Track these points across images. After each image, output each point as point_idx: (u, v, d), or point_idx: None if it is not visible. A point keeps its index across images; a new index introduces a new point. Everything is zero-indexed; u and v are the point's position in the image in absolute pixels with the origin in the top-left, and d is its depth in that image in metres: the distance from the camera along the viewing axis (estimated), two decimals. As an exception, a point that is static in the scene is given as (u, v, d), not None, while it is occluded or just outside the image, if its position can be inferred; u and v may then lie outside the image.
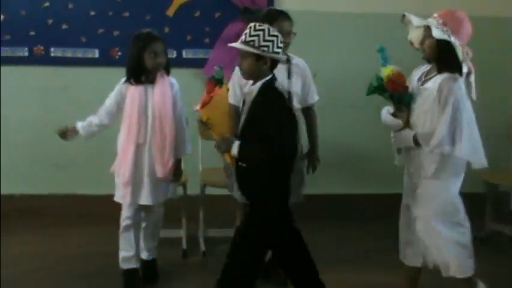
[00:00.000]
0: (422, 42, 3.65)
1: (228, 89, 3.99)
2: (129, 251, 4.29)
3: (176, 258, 4.78)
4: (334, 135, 5.55)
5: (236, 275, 3.74)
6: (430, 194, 3.65)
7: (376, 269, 4.64)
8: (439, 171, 3.60)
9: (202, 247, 4.91)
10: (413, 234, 3.76)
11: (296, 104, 4.18)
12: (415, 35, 3.69)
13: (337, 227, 5.47)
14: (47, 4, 5.54)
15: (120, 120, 4.25)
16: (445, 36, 3.49)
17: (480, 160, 3.60)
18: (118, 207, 4.44)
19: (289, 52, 4.19)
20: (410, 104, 3.69)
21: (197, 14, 5.61)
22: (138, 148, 4.17)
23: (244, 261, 3.72)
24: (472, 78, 3.62)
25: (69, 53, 5.60)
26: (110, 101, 4.24)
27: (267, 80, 3.61)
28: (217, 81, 3.83)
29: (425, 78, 3.70)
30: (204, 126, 3.89)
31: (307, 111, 4.36)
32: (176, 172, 4.29)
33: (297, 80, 4.20)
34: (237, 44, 3.61)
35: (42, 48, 5.59)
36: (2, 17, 5.51)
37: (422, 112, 3.63)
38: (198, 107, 3.81)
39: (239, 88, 4.14)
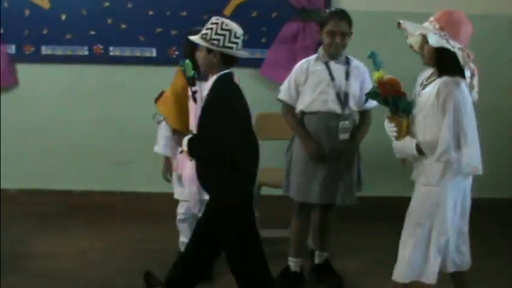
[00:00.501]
0: (421, 48, 3.51)
1: (191, 81, 3.77)
2: (186, 237, 4.43)
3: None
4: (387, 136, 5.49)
5: (187, 263, 3.80)
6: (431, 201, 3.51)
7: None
8: (442, 178, 3.44)
9: (257, 247, 4.89)
10: None
11: (353, 106, 4.13)
12: (413, 40, 3.55)
13: (394, 230, 5.37)
14: (107, 4, 5.60)
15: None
16: (442, 42, 3.34)
17: (480, 164, 3.46)
18: (174, 205, 4.48)
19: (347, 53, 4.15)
20: (409, 110, 3.53)
21: (254, 14, 5.59)
22: None
23: (195, 250, 3.76)
24: (476, 80, 3.45)
25: (127, 52, 5.67)
26: None
27: (220, 75, 3.61)
28: (184, 70, 3.73)
29: (426, 82, 3.55)
30: (154, 119, 3.88)
31: (363, 114, 4.28)
32: None
33: (355, 82, 4.14)
34: (192, 37, 3.65)
35: (101, 47, 5.67)
36: (63, 16, 5.60)
37: (422, 118, 3.47)
38: (155, 99, 3.79)
39: (294, 86, 4.13)
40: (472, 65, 3.40)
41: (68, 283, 4.32)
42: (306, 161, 4.10)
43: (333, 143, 4.09)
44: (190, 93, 3.76)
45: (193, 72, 3.69)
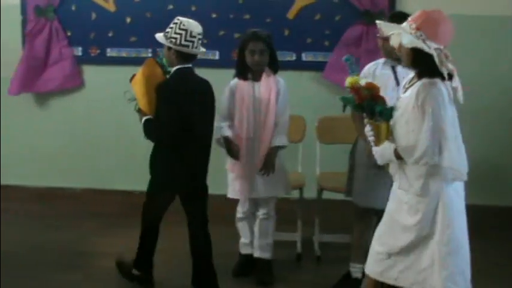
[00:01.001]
0: (399, 49, 3.41)
1: (158, 72, 4.06)
2: (245, 238, 4.57)
3: (290, 261, 4.75)
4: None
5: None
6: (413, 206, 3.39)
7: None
8: (427, 186, 3.33)
9: (317, 252, 4.85)
10: None
11: None
12: (395, 41, 3.43)
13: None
14: (171, 7, 5.65)
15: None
16: (417, 43, 3.24)
17: (465, 169, 3.37)
18: (233, 207, 4.49)
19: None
20: (387, 114, 3.44)
21: (317, 16, 5.55)
22: (248, 142, 4.31)
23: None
24: (456, 81, 3.33)
25: (190, 54, 5.69)
26: (224, 98, 4.42)
27: (176, 69, 3.95)
28: (161, 66, 4.09)
29: (408, 86, 3.44)
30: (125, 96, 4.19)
31: None
32: (266, 163, 4.31)
33: None
34: (157, 34, 4.03)
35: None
36: (128, 19, 5.68)
37: (405, 123, 3.35)
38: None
39: None
40: (450, 66, 3.29)
41: (127, 283, 4.35)
42: (369, 166, 4.04)
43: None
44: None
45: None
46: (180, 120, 3.87)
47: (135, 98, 4.12)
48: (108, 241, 5.03)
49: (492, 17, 5.45)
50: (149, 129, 3.98)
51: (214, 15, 5.64)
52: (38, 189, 6.00)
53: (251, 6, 5.58)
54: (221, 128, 4.34)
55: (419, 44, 3.24)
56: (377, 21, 3.49)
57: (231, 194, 4.49)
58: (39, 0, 5.74)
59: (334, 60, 5.48)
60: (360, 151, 4.15)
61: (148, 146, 5.61)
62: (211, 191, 4.70)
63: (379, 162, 3.55)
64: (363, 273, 4.30)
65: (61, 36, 5.78)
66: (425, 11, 3.34)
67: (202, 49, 4.02)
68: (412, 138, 3.29)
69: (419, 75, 3.36)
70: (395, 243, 3.46)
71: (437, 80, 3.28)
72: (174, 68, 3.97)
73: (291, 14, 5.55)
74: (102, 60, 5.77)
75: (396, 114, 3.41)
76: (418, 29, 3.27)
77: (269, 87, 4.31)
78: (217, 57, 5.69)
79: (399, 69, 4.00)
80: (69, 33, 5.76)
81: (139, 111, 4.09)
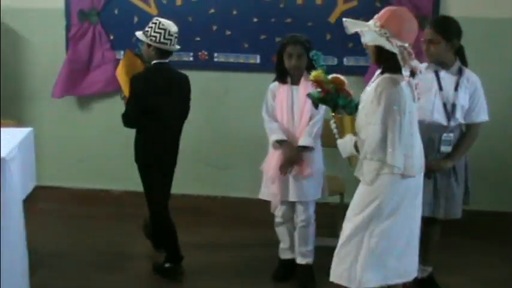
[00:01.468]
0: (366, 46, 3.50)
1: (139, 56, 4.63)
2: (284, 243, 4.56)
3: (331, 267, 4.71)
4: (500, 149, 5.33)
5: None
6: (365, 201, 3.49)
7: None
8: (376, 178, 3.41)
9: (358, 257, 4.81)
10: None
11: (460, 118, 4.00)
12: (363, 39, 3.50)
13: (503, 246, 5.16)
14: (212, 11, 5.67)
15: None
16: (380, 40, 3.32)
17: (414, 168, 3.42)
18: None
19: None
20: (351, 107, 3.56)
21: (360, 21, 5.50)
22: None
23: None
24: (417, 79, 3.42)
25: (231, 58, 5.72)
26: (266, 101, 4.48)
27: (155, 63, 4.43)
28: (132, 48, 4.76)
29: (374, 80, 3.48)
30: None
31: (469, 127, 4.15)
32: (283, 162, 4.32)
33: (465, 93, 4.02)
34: (137, 32, 4.50)
35: (206, 53, 5.74)
36: (170, 23, 5.71)
37: (364, 116, 3.43)
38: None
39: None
40: (414, 64, 3.35)
41: (166, 284, 4.37)
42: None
43: (433, 156, 3.97)
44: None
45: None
46: (144, 108, 4.36)
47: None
48: (147, 243, 5.06)
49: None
50: (122, 117, 4.50)
51: (255, 19, 5.64)
52: (79, 191, 6.07)
53: (292, 10, 5.57)
54: (271, 130, 4.36)
55: (381, 42, 3.33)
56: (343, 19, 3.52)
57: (263, 196, 4.49)
58: (83, 5, 5.80)
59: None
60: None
61: (188, 148, 5.68)
62: (251, 195, 4.72)
63: (343, 155, 3.62)
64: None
65: (104, 39, 5.84)
66: (390, 9, 3.44)
67: (178, 46, 4.52)
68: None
69: (383, 71, 3.44)
70: (343, 233, 3.58)
71: (400, 77, 3.34)
72: (152, 62, 4.43)
73: (332, 18, 5.52)
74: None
75: (359, 107, 3.48)
76: (382, 26, 3.35)
77: (307, 91, 4.25)
78: (258, 61, 5.68)
79: (443, 73, 3.96)
80: (111, 37, 5.81)
81: (124, 98, 4.60)
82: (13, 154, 3.52)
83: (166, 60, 4.47)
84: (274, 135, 4.33)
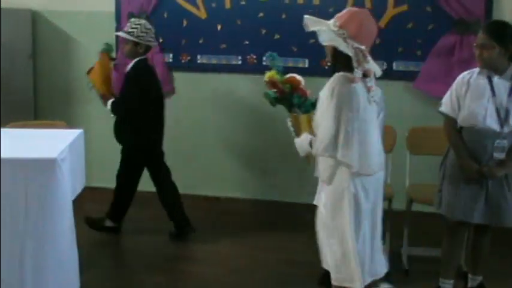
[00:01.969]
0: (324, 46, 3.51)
1: (110, 59, 5.18)
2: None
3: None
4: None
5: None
6: (330, 199, 3.52)
7: None
8: (332, 175, 3.45)
9: (405, 265, 4.76)
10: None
11: None
12: (319, 39, 3.50)
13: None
14: (261, 15, 5.68)
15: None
16: (335, 40, 3.35)
17: (370, 166, 3.42)
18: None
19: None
20: (307, 106, 3.65)
21: (409, 25, 5.47)
22: None
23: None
24: (371, 81, 3.43)
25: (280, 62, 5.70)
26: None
27: (139, 59, 4.98)
28: (107, 51, 5.14)
29: None
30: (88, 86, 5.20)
31: None
32: None
33: None
34: (120, 33, 5.01)
35: (254, 57, 5.75)
36: (219, 27, 5.74)
37: (320, 113, 3.43)
38: (87, 72, 5.14)
39: (456, 98, 3.97)
40: (367, 66, 3.37)
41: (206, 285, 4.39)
42: (461, 179, 3.94)
43: (486, 162, 3.90)
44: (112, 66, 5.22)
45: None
46: (141, 98, 4.92)
47: (92, 85, 5.13)
48: (193, 245, 5.08)
49: None
50: (116, 107, 5.00)
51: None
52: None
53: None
54: None
55: (336, 42, 3.35)
56: (305, 16, 3.51)
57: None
58: (133, 8, 5.87)
59: (426, 70, 5.39)
60: (450, 163, 4.05)
61: (234, 151, 5.72)
62: (296, 199, 4.71)
63: (300, 153, 3.64)
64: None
65: (153, 43, 5.89)
66: (351, 10, 3.47)
67: (156, 43, 5.23)
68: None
69: (338, 70, 3.43)
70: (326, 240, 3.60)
71: (350, 76, 3.35)
72: (136, 59, 4.97)
73: (382, 22, 5.48)
74: (192, 66, 5.85)
75: (317, 105, 3.49)
76: (341, 26, 3.36)
77: None
78: (306, 65, 5.68)
79: (496, 79, 3.88)
80: (160, 40, 5.86)
81: (102, 96, 5.08)
82: (64, 155, 3.57)
83: (146, 56, 5.08)
84: None
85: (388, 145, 4.87)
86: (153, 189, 5.35)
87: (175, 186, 5.30)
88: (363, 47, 3.35)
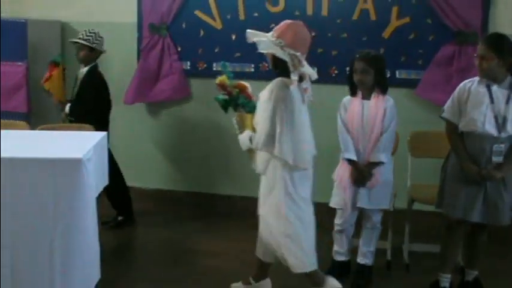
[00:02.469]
0: (266, 55, 3.77)
1: (63, 69, 5.47)
2: (339, 247, 4.51)
3: (381, 267, 4.65)
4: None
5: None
6: (265, 191, 3.78)
7: None
8: (267, 168, 3.72)
9: (406, 260, 4.74)
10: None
11: (510, 130, 3.87)
12: (259, 48, 3.73)
13: None
14: (273, 25, 5.55)
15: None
16: (272, 48, 3.62)
17: (304, 161, 3.65)
18: (332, 215, 4.46)
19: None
20: (250, 106, 3.89)
21: (411, 36, 5.45)
22: (357, 155, 4.30)
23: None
24: (307, 84, 3.73)
25: (290, 70, 5.70)
26: (340, 112, 4.43)
27: (93, 65, 5.25)
28: (55, 63, 5.37)
29: None
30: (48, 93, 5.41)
31: None
32: (357, 177, 4.26)
33: None
34: (78, 40, 5.18)
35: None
36: (233, 36, 5.73)
37: (260, 112, 3.68)
38: (42, 81, 5.36)
39: (457, 104, 3.97)
40: (303, 70, 3.66)
41: (226, 281, 4.37)
42: (461, 180, 3.93)
43: (485, 165, 3.88)
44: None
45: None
46: (107, 100, 5.29)
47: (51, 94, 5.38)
48: (210, 241, 5.08)
49: None
50: (76, 109, 5.20)
51: (313, 34, 5.58)
52: (147, 190, 6.15)
53: (348, 26, 5.54)
54: (344, 145, 4.32)
55: (273, 50, 3.64)
56: (247, 30, 3.79)
57: (334, 204, 4.43)
58: (154, 19, 5.88)
59: (427, 78, 5.37)
60: (452, 165, 4.03)
61: (246, 153, 5.66)
62: (319, 198, 4.66)
63: (242, 148, 3.89)
64: (451, 284, 4.19)
65: (172, 51, 5.90)
66: (287, 22, 3.74)
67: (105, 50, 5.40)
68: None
69: (278, 75, 3.71)
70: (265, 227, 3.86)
71: (290, 81, 3.63)
72: (91, 65, 5.24)
73: (386, 34, 5.46)
74: (209, 73, 5.83)
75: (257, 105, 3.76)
76: (278, 37, 3.65)
77: (377, 105, 4.26)
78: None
79: (494, 88, 3.87)
80: (179, 49, 5.87)
81: (60, 102, 5.35)
82: (89, 155, 3.57)
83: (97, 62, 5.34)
84: (346, 154, 4.29)
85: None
86: (167, 187, 5.37)
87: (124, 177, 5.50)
88: (298, 54, 3.63)
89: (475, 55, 3.91)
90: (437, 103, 5.11)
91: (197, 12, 5.83)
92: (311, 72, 3.75)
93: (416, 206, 4.75)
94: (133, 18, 5.96)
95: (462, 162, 3.92)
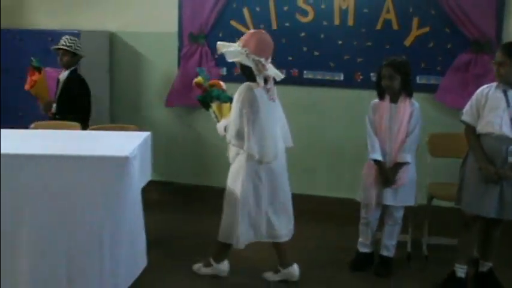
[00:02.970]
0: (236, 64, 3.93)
1: (42, 75, 5.31)
2: (364, 239, 4.54)
3: (401, 259, 4.68)
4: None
5: None
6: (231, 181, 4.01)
7: None
8: (238, 159, 3.95)
9: (425, 252, 4.75)
10: None
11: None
12: (227, 58, 3.90)
13: None
14: (303, 34, 5.72)
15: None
16: (238, 57, 3.79)
17: (268, 155, 3.85)
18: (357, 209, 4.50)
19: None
20: (224, 98, 4.14)
21: (431, 44, 5.44)
22: (384, 155, 4.31)
23: None
24: (271, 84, 3.93)
25: (319, 75, 5.74)
26: (369, 115, 4.42)
27: (74, 68, 5.29)
28: (36, 69, 5.31)
29: None
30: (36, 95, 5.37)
31: None
32: (385, 177, 4.28)
33: None
34: (61, 46, 5.19)
35: (297, 71, 5.78)
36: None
37: (232, 113, 3.88)
38: (27, 87, 5.30)
39: (476, 108, 3.98)
40: (267, 73, 3.86)
41: (257, 269, 4.40)
42: (479, 179, 3.94)
43: (501, 165, 3.88)
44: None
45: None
46: (88, 102, 5.28)
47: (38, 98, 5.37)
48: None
49: None
50: (65, 108, 5.20)
51: (340, 42, 5.65)
52: (184, 186, 6.23)
53: (372, 34, 5.56)
54: (372, 146, 4.33)
55: (239, 58, 3.82)
56: (218, 42, 3.95)
57: (360, 198, 4.46)
58: (193, 29, 5.96)
59: (445, 83, 5.36)
60: (469, 165, 4.03)
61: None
62: (339, 194, 4.68)
63: (220, 134, 4.08)
64: (467, 274, 4.19)
65: (209, 58, 5.97)
66: (251, 32, 3.96)
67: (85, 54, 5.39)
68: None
69: (246, 80, 3.90)
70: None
71: (255, 84, 3.85)
72: (72, 68, 5.27)
73: (407, 42, 5.47)
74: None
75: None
76: (243, 46, 3.83)
77: (404, 109, 4.28)
78: (342, 78, 5.68)
79: (511, 92, 3.87)
80: (216, 56, 5.93)
81: (47, 104, 5.31)
82: (134, 153, 3.65)
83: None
84: (373, 154, 4.31)
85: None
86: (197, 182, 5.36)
87: None
88: (262, 59, 3.83)
89: (493, 61, 3.91)
90: (454, 107, 5.11)
91: (233, 22, 5.90)
92: (275, 73, 3.96)
93: (435, 202, 4.75)
94: (175, 28, 6.04)
95: (480, 162, 3.92)
